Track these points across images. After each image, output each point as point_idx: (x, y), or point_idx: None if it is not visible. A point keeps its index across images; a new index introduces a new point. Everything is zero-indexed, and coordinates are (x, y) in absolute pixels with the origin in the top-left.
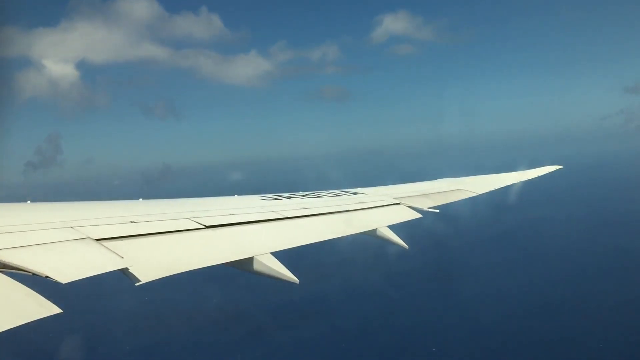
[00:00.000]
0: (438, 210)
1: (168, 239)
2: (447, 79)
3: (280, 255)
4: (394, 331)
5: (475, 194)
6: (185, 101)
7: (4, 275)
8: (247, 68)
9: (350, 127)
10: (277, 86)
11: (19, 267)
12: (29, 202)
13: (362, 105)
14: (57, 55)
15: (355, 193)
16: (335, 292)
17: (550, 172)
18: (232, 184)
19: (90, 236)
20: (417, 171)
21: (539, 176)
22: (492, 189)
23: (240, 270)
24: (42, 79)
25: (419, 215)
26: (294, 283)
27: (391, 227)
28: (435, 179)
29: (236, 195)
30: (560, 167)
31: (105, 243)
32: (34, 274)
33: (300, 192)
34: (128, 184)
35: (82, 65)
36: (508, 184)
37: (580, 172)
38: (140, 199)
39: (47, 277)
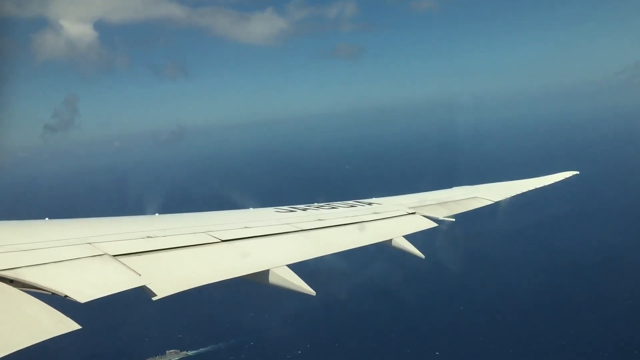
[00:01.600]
0: (454, 219)
1: (184, 254)
2: (467, 35)
3: (296, 267)
4: (410, 341)
5: (490, 202)
6: (201, 61)
7: (24, 293)
8: (263, 26)
9: (365, 86)
10: (292, 44)
11: (39, 286)
12: (47, 219)
13: (377, 63)
14: (75, 16)
15: (370, 203)
16: (352, 303)
17: (566, 178)
18: (247, 146)
19: (108, 252)
20: (430, 131)
21: (555, 182)
22: (507, 197)
23: (257, 282)
24: (59, 40)
25: (434, 225)
26: (311, 295)
27: (407, 237)
28: (451, 141)
29: (251, 208)
30: (577, 172)
31: (122, 259)
32: (53, 293)
33: (315, 204)
34: (143, 147)
35: (100, 26)
36: (524, 191)
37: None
38: (157, 214)
39: (66, 296)
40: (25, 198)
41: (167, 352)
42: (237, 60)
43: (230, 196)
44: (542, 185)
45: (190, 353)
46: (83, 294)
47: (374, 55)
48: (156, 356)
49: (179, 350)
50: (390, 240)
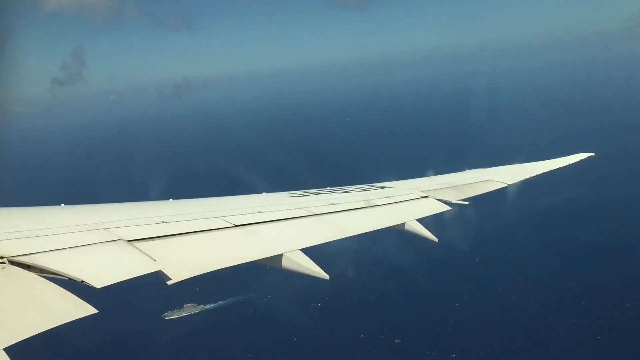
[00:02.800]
0: (467, 203)
1: (198, 239)
2: None
3: (309, 251)
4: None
5: (504, 185)
6: (207, 11)
7: (42, 278)
8: None
9: (371, 36)
10: None
11: (56, 271)
12: (62, 205)
13: (384, 11)
14: None
15: (382, 187)
16: (367, 287)
17: (581, 160)
18: (249, 99)
19: (123, 238)
20: (435, 82)
21: (570, 164)
22: (521, 179)
23: (270, 267)
24: None
25: (447, 208)
26: (324, 279)
27: (420, 220)
28: (457, 92)
29: (264, 193)
30: (592, 154)
31: (137, 244)
32: (69, 279)
33: (328, 188)
34: (151, 100)
35: None
36: (538, 173)
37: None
38: (170, 199)
39: (82, 282)
40: (30, 154)
41: (184, 305)
42: (243, 10)
43: (229, 153)
44: (556, 167)
45: (208, 306)
46: (99, 280)
47: (380, 4)
48: (174, 309)
49: (196, 304)
50: (403, 223)
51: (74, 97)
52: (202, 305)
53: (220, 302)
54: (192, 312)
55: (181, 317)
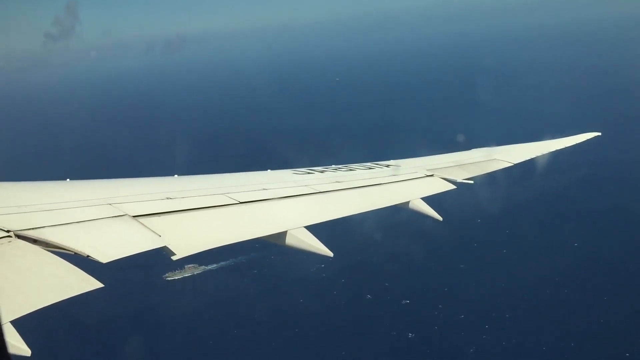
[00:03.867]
0: (472, 182)
1: (203, 215)
2: None
3: (314, 229)
4: (431, 286)
5: (510, 164)
6: None
7: (48, 252)
8: None
9: None
10: None
11: (62, 246)
12: (68, 180)
13: None
14: None
15: (387, 165)
16: (371, 265)
17: (587, 139)
18: (240, 56)
19: (128, 213)
20: (433, 41)
21: (577, 144)
22: (527, 159)
23: (275, 244)
24: None
25: (453, 187)
26: (328, 256)
27: (425, 199)
28: (454, 51)
29: (269, 170)
30: (599, 134)
31: (142, 220)
32: (75, 253)
33: (333, 166)
34: (146, 55)
35: None
36: (544, 152)
37: None
38: (176, 175)
39: (88, 256)
40: (24, 111)
41: (185, 266)
42: None
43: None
44: (563, 146)
45: (209, 267)
46: (105, 255)
47: None
48: (175, 271)
49: (197, 265)
50: (408, 202)
51: (67, 52)
52: (204, 266)
53: (222, 263)
54: (194, 273)
55: (183, 277)
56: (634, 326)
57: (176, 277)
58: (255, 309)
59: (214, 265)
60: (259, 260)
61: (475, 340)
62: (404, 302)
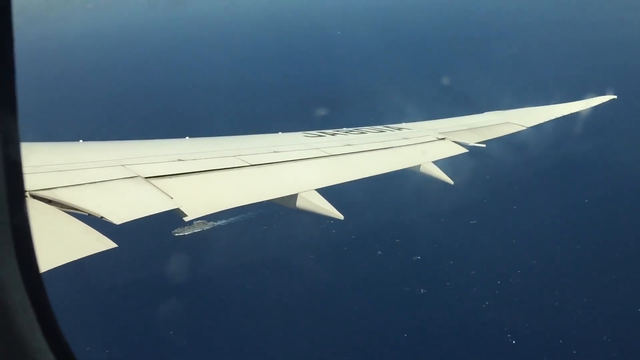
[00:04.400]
0: (484, 145)
1: (214, 177)
2: None
3: (325, 192)
4: (442, 242)
5: (523, 128)
6: None
7: (63, 212)
8: None
9: None
10: None
11: (76, 207)
12: (81, 141)
13: None
14: None
15: (399, 128)
16: (381, 223)
17: (603, 102)
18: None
19: (141, 174)
20: None
21: (592, 107)
22: (540, 122)
23: (285, 206)
24: None
25: (464, 151)
26: (339, 220)
27: (436, 162)
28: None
29: (280, 133)
30: (615, 97)
31: (154, 181)
32: (89, 214)
33: (344, 129)
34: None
35: None
36: (558, 116)
37: None
38: (187, 137)
39: (102, 217)
40: (25, 68)
41: (194, 222)
42: None
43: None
44: (578, 109)
45: (219, 223)
46: (118, 216)
47: None
48: (184, 227)
49: (206, 221)
50: (419, 165)
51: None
52: (212, 222)
53: (232, 219)
54: (203, 229)
55: (192, 233)
56: None
57: (185, 233)
58: (265, 265)
59: (223, 221)
60: (268, 216)
61: (488, 296)
62: (414, 258)
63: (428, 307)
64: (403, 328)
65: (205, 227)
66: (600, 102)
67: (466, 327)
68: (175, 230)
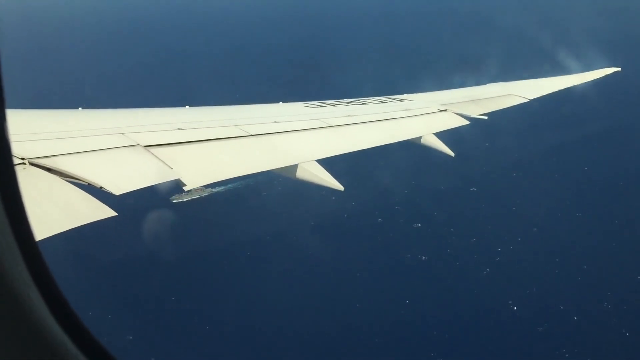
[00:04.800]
0: (486, 117)
1: (214, 147)
2: None
3: (325, 162)
4: (443, 209)
5: (526, 100)
6: None
7: (62, 180)
8: None
9: None
10: None
11: (76, 176)
12: (80, 109)
13: None
14: None
15: (401, 100)
16: (381, 191)
17: (607, 75)
18: None
19: (140, 143)
20: None
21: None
22: (543, 94)
23: (285, 177)
24: None
25: (466, 122)
26: (339, 190)
27: (437, 134)
28: None
29: (281, 103)
30: (619, 69)
31: (154, 150)
32: (89, 184)
33: (345, 100)
34: None
35: None
36: (561, 88)
37: None
38: (187, 107)
39: (101, 187)
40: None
41: (192, 189)
42: None
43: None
44: (581, 82)
45: (217, 189)
46: (118, 187)
47: None
48: (182, 193)
49: (204, 187)
50: (420, 137)
51: None
52: (210, 189)
53: (230, 186)
54: (202, 195)
55: (190, 199)
56: None
57: (183, 200)
58: (264, 231)
59: (222, 188)
60: (267, 183)
61: (489, 262)
62: (415, 225)
63: (430, 274)
64: (404, 295)
65: (204, 194)
66: (604, 75)
67: (467, 294)
68: (173, 197)
